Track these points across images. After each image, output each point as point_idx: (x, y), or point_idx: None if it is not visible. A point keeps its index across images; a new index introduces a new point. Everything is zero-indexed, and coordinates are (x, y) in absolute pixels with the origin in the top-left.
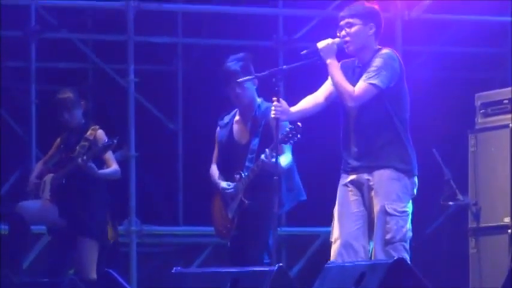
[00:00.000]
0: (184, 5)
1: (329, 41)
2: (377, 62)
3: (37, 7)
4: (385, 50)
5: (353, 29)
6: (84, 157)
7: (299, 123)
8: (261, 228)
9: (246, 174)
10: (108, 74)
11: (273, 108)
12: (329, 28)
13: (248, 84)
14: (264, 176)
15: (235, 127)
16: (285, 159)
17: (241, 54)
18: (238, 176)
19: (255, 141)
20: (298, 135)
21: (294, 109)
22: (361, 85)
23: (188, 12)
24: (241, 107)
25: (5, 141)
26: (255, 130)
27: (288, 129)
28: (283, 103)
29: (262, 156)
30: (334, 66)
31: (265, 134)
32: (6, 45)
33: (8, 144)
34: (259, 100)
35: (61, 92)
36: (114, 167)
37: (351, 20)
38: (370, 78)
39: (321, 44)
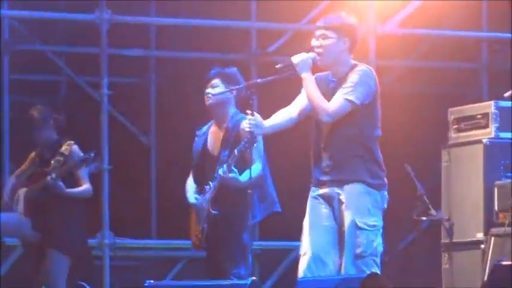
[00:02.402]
0: (157, 18)
1: (304, 55)
2: (353, 78)
3: (10, 19)
4: (361, 67)
5: (327, 42)
6: (54, 175)
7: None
8: (230, 238)
9: (213, 185)
10: (81, 87)
11: (247, 121)
12: (302, 42)
13: (223, 95)
14: (228, 187)
15: (210, 137)
16: (255, 170)
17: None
18: (207, 187)
19: (225, 153)
20: (255, 144)
21: (267, 123)
22: (337, 100)
23: (161, 25)
24: (216, 118)
25: None
26: (226, 141)
27: (245, 138)
28: (258, 117)
29: (220, 171)
30: (309, 80)
31: (235, 145)
32: None
33: None
34: (233, 111)
35: (33, 108)
36: (85, 186)
37: (326, 32)
38: (346, 94)
39: (295, 59)
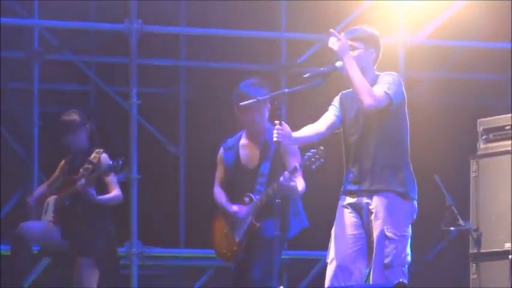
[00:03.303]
0: (187, 28)
1: (341, 39)
2: (386, 78)
3: (40, 29)
4: (389, 72)
5: (355, 53)
6: (83, 181)
7: (321, 147)
8: (266, 252)
9: (258, 198)
10: (111, 96)
11: (275, 131)
12: (331, 53)
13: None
14: (275, 200)
15: (243, 151)
16: (301, 184)
17: (256, 79)
18: (247, 199)
19: (266, 165)
20: (322, 160)
21: (295, 134)
22: (378, 90)
23: (191, 35)
24: (250, 131)
25: (7, 162)
26: (266, 154)
27: (309, 153)
28: (286, 127)
29: (281, 178)
30: (351, 63)
31: (276, 158)
32: (9, 67)
33: (10, 166)
34: (267, 124)
35: (66, 113)
36: (115, 192)
37: (353, 43)
38: (384, 88)
39: (333, 45)
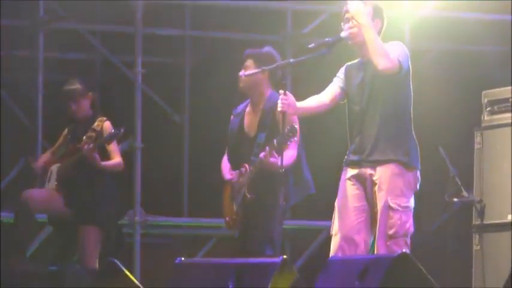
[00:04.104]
0: None
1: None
2: (395, 47)
3: None
4: (395, 42)
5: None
6: (91, 145)
7: (295, 125)
8: (263, 222)
9: (250, 169)
10: (116, 66)
11: (279, 101)
12: (337, 23)
13: (255, 76)
14: (267, 171)
15: (246, 118)
16: (288, 157)
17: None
18: (243, 169)
19: (262, 135)
20: (295, 138)
21: (300, 104)
22: (392, 55)
23: (197, 5)
24: (252, 99)
25: (11, 131)
26: (263, 123)
27: (286, 130)
28: (290, 97)
29: (261, 154)
30: (368, 24)
31: (273, 128)
32: (14, 35)
33: (14, 135)
34: (269, 93)
35: (68, 82)
36: (117, 159)
37: None
38: (395, 54)
39: (352, 6)
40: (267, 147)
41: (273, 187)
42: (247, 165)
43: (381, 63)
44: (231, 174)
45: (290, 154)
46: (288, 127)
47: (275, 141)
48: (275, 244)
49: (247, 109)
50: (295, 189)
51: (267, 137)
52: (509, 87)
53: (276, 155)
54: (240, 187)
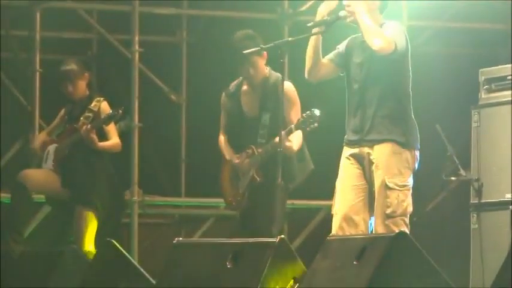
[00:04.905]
0: None
1: None
2: (391, 27)
3: None
4: (394, 21)
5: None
6: (89, 126)
7: (316, 112)
8: (271, 204)
9: (260, 151)
10: (113, 44)
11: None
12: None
13: (254, 58)
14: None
15: (244, 98)
16: (297, 141)
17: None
18: (250, 151)
19: (266, 117)
20: (316, 124)
21: None
22: (387, 34)
23: None
24: (248, 77)
25: (8, 110)
26: (265, 104)
27: (305, 115)
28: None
29: (276, 139)
30: (360, 6)
31: (276, 108)
32: (11, 14)
33: (11, 114)
34: (267, 72)
35: (65, 63)
36: (115, 140)
37: None
38: (391, 34)
39: None
40: (283, 132)
41: (282, 170)
42: (253, 147)
43: (375, 43)
44: (238, 158)
45: (298, 134)
46: (308, 112)
47: (293, 126)
48: (279, 225)
49: (244, 88)
50: (300, 166)
51: (271, 117)
52: (508, 65)
53: (289, 138)
54: (247, 169)
